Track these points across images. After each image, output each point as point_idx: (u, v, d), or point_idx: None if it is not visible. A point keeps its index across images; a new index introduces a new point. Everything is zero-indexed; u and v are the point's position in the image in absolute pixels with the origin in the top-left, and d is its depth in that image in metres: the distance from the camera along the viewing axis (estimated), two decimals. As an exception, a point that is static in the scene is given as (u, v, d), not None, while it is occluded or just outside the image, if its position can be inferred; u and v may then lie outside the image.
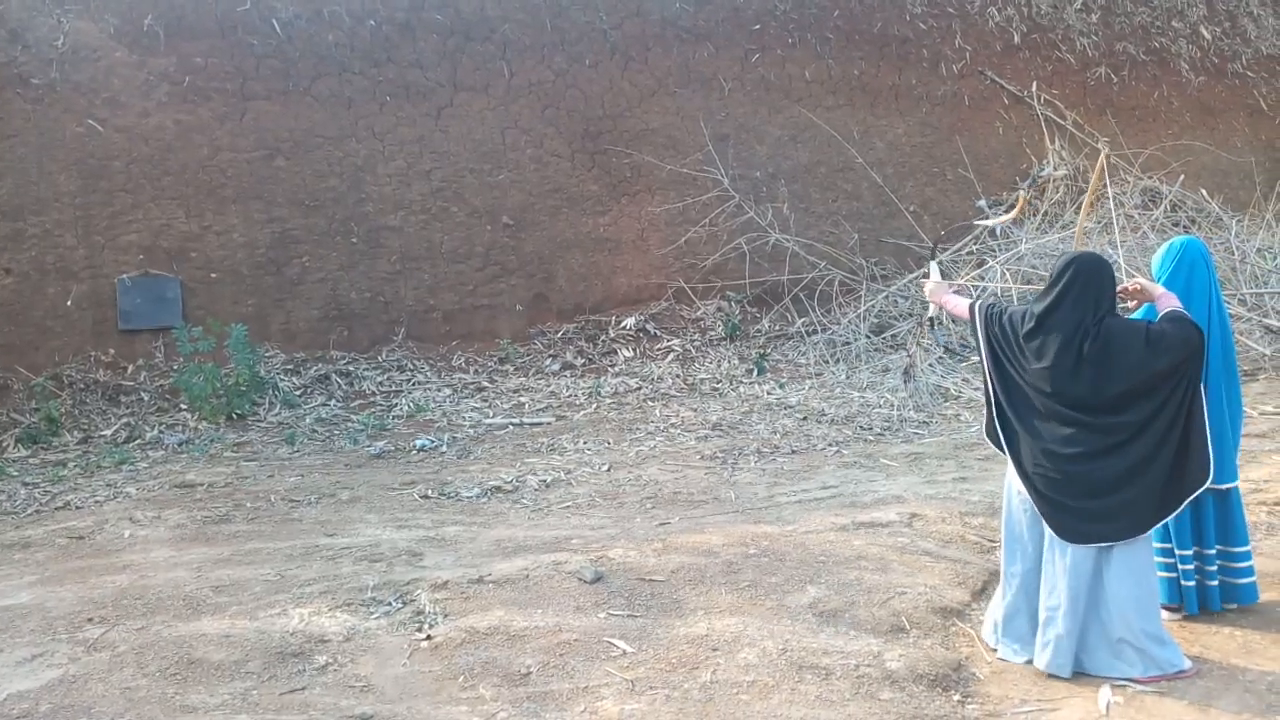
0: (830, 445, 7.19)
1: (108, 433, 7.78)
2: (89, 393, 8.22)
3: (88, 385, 8.26)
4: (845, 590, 4.18)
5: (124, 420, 7.96)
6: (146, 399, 8.31)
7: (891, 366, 9.06)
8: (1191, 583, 3.90)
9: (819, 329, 10.19)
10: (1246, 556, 3.95)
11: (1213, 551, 3.93)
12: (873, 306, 10.19)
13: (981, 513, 5.22)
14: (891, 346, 9.70)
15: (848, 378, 9.12)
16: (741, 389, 9.05)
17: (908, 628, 3.86)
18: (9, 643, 3.82)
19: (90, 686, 3.42)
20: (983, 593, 4.26)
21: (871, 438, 7.45)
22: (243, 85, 9.67)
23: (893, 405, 8.08)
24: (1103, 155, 5.24)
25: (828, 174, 11.82)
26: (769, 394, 8.78)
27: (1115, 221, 9.24)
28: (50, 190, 8.71)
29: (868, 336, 9.85)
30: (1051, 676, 3.48)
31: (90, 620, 4.02)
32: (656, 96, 11.37)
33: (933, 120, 12.69)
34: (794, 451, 7.08)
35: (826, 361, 9.59)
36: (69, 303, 8.57)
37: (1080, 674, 3.50)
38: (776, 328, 10.52)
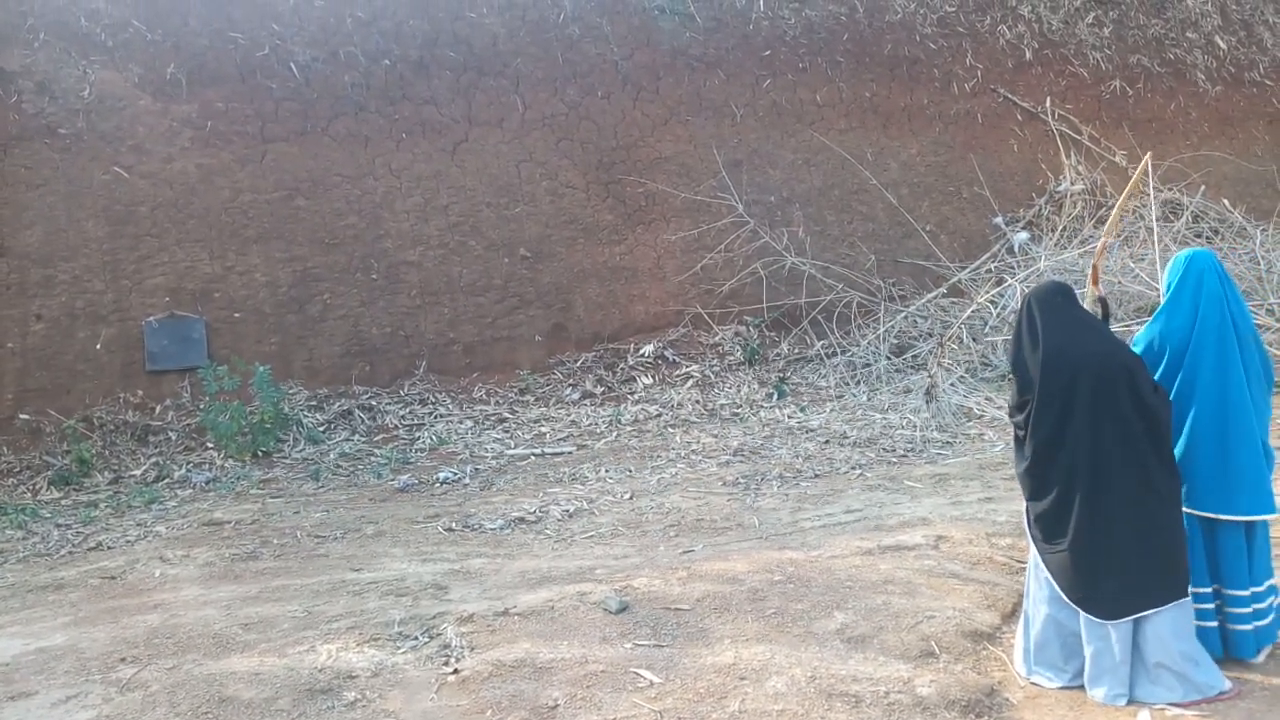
0: (853, 468, 7.16)
1: (137, 472, 7.88)
2: (119, 434, 8.33)
3: (117, 426, 8.37)
4: (873, 615, 4.15)
5: (153, 460, 8.06)
6: (174, 438, 8.41)
7: (913, 387, 9.02)
8: (1212, 623, 3.60)
9: (838, 351, 10.17)
10: (1271, 593, 3.64)
11: (1244, 593, 3.56)
12: (892, 327, 10.17)
13: (1009, 533, 5.17)
14: (912, 367, 9.66)
15: (869, 399, 9.09)
16: (762, 413, 9.04)
17: (938, 652, 3.82)
18: (45, 684, 3.87)
19: (123, 728, 3.46)
20: (1013, 615, 4.21)
21: (895, 459, 7.41)
22: (262, 128, 9.85)
23: (915, 426, 8.04)
24: (1147, 158, 5.28)
25: (842, 196, 11.85)
26: (790, 418, 8.76)
27: (1139, 234, 9.18)
28: (79, 237, 8.90)
29: (888, 357, 9.82)
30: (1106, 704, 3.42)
31: (123, 660, 4.06)
32: (669, 125, 11.48)
33: (946, 139, 12.71)
34: (817, 475, 7.05)
35: (847, 384, 9.56)
36: (98, 346, 8.71)
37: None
38: (795, 351, 10.51)
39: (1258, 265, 10.47)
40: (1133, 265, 9.60)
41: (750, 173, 11.39)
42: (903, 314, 10.37)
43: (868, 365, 9.78)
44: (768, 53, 12.13)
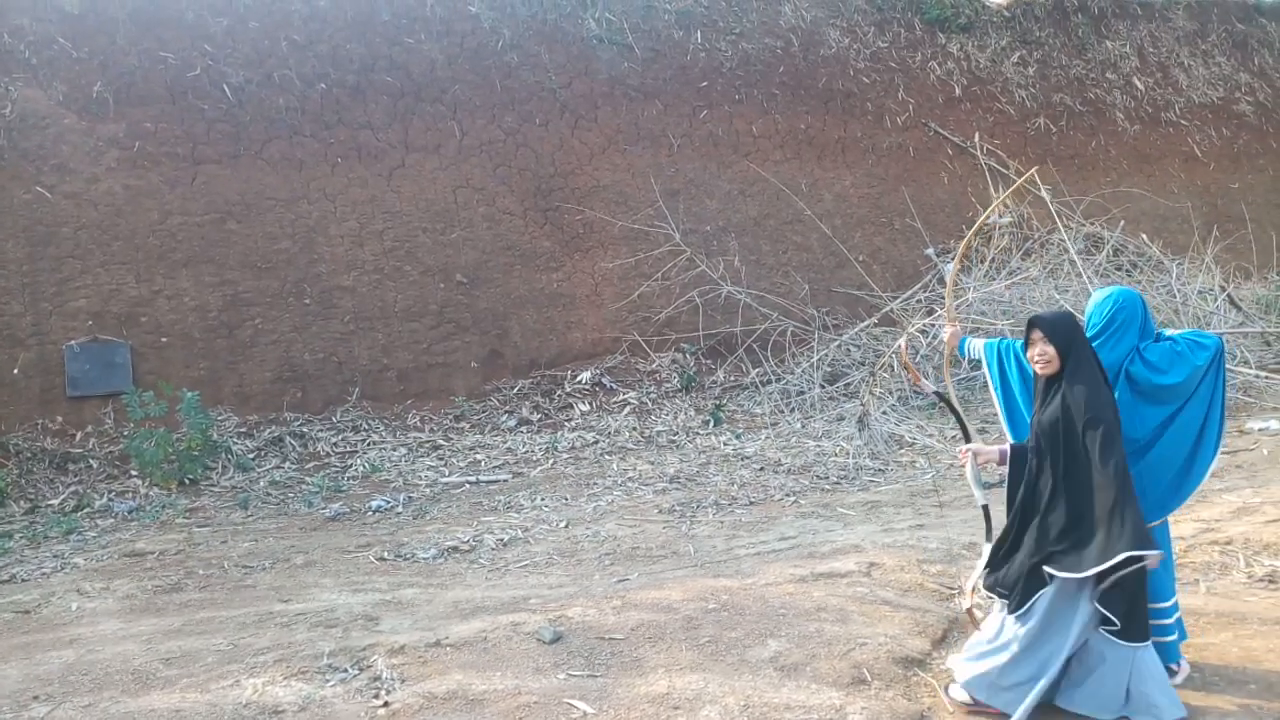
0: (787, 495, 7.24)
1: (55, 502, 7.59)
2: (36, 461, 8.03)
3: (35, 454, 8.07)
4: (806, 643, 4.19)
5: (72, 489, 7.78)
6: (96, 466, 8.13)
7: (846, 415, 9.18)
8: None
9: (773, 379, 10.31)
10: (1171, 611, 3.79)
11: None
12: (825, 355, 10.35)
13: (939, 560, 5.28)
14: (845, 395, 9.84)
15: (803, 427, 9.21)
16: (698, 440, 9.09)
17: (869, 679, 3.87)
18: (-52, 727, 3.70)
19: (32, 771, 3.32)
20: (943, 641, 4.30)
21: (828, 487, 7.52)
22: (193, 149, 9.67)
23: (848, 454, 8.18)
24: (1032, 171, 5.53)
25: (777, 226, 12.06)
26: (725, 445, 8.83)
27: (1060, 266, 9.53)
28: (-4, 257, 8.60)
29: (822, 385, 9.98)
30: None
31: (36, 698, 3.90)
32: (607, 154, 11.57)
33: (879, 171, 13.05)
34: (751, 503, 7.12)
35: (781, 411, 9.69)
36: (15, 370, 8.40)
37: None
38: (731, 378, 10.62)
39: (1174, 298, 10.93)
40: (1058, 297, 9.94)
41: (687, 202, 11.54)
42: (836, 343, 10.57)
43: (802, 393, 9.93)
44: (705, 84, 12.34)
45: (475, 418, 9.63)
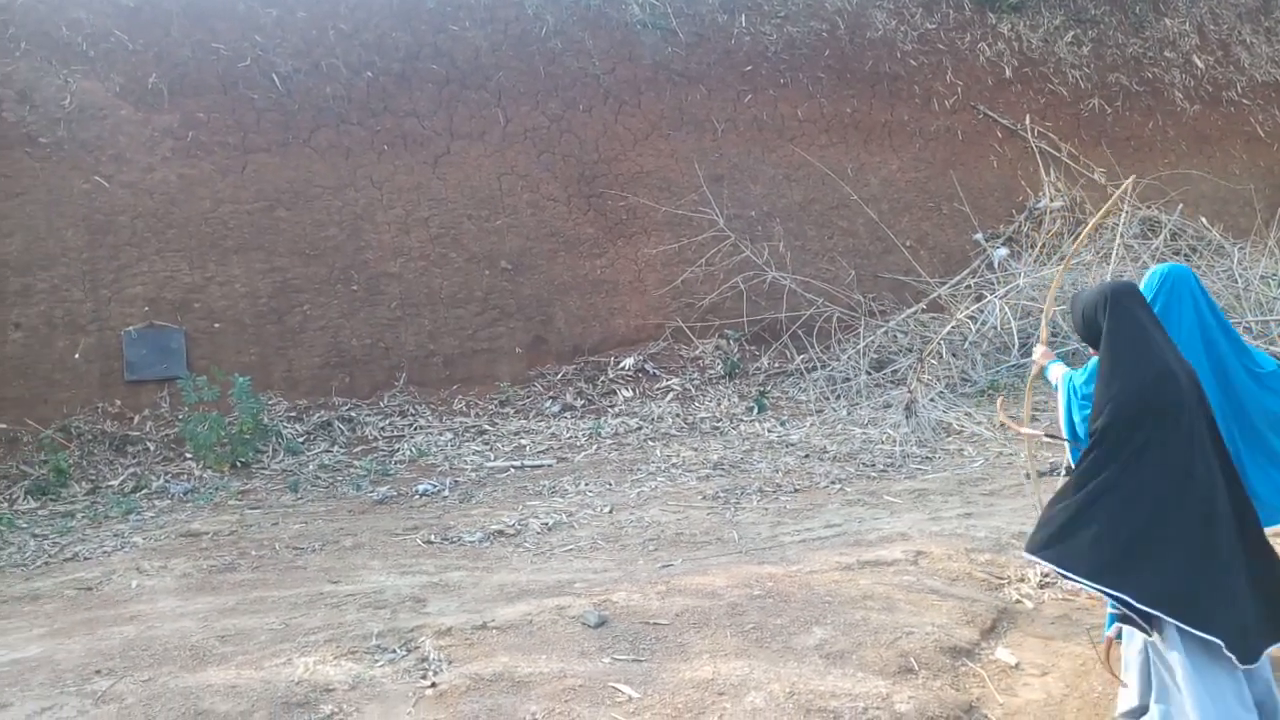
0: (833, 483, 7.19)
1: (115, 483, 7.80)
2: (96, 444, 8.25)
3: (95, 436, 8.30)
4: (852, 631, 4.16)
5: (131, 470, 7.99)
6: (152, 449, 8.34)
7: (893, 402, 9.08)
8: None
9: (818, 365, 10.23)
10: None
11: None
12: (872, 342, 10.24)
13: (988, 549, 5.21)
14: (892, 382, 9.72)
15: (849, 414, 9.13)
16: (742, 427, 9.07)
17: (916, 668, 3.84)
18: (19, 696, 3.82)
19: (96, 742, 3.43)
20: (992, 631, 4.24)
21: (874, 474, 7.45)
22: (244, 138, 9.83)
23: (895, 441, 8.09)
24: (1129, 181, 5.34)
25: (822, 211, 11.94)
26: (770, 432, 8.79)
27: (1115, 251, 9.30)
28: (58, 246, 8.83)
29: (868, 372, 9.87)
30: None
31: (98, 672, 4.02)
32: (650, 139, 11.54)
33: (926, 156, 12.84)
34: (796, 490, 7.08)
35: (827, 398, 9.61)
36: (76, 355, 8.64)
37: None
38: (775, 365, 10.56)
39: (1235, 283, 10.62)
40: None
41: (731, 187, 11.46)
42: (882, 329, 10.45)
43: (847, 380, 9.84)
44: (749, 68, 12.23)
45: (520, 403, 9.69)
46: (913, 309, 10.68)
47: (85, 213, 9.04)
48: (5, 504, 7.41)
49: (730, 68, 12.15)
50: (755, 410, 9.42)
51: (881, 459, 7.78)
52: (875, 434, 8.41)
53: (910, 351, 10.11)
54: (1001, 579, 4.78)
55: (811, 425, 8.90)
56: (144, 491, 7.70)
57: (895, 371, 9.90)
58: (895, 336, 10.47)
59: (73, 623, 4.76)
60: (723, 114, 11.93)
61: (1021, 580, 4.78)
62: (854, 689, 3.68)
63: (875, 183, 12.35)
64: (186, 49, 9.81)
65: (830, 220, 11.88)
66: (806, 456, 7.94)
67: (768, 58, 12.38)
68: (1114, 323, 3.18)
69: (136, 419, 8.66)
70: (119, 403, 8.67)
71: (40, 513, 7.25)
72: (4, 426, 8.18)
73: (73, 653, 4.29)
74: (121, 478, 7.93)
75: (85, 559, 6.03)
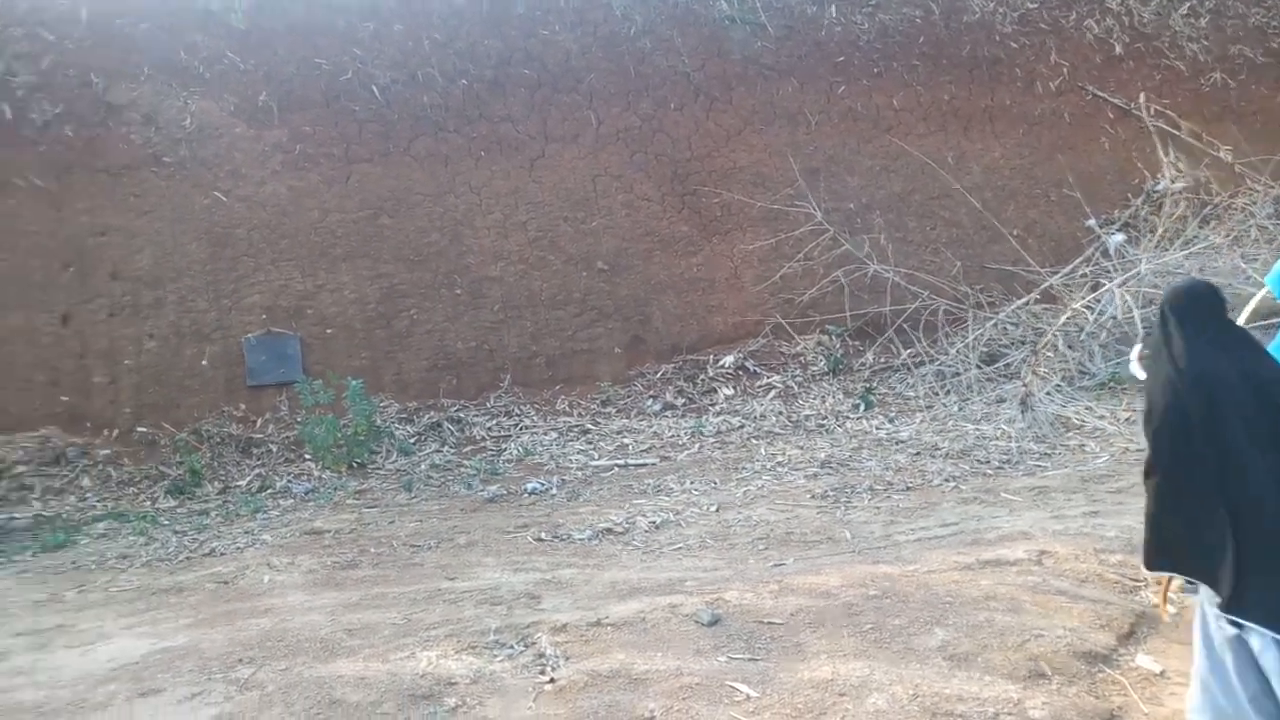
0: (946, 480, 6.99)
1: (243, 483, 8.17)
2: (224, 446, 8.66)
3: (223, 439, 8.71)
4: (976, 633, 4.03)
5: (256, 471, 8.35)
6: (275, 450, 8.70)
7: (1007, 397, 8.77)
8: None
9: (926, 360, 9.95)
10: None
11: None
12: (981, 335, 9.90)
13: (1119, 549, 4.97)
14: (1004, 376, 9.38)
15: (960, 409, 8.87)
16: (848, 424, 8.90)
17: (1048, 674, 3.69)
18: (171, 681, 4.04)
19: (242, 729, 3.59)
20: (1130, 636, 4.04)
21: (990, 471, 7.21)
22: (347, 149, 10.15)
23: (1010, 437, 7.81)
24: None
25: (923, 201, 11.63)
26: (878, 429, 8.61)
27: (1247, 233, 8.76)
28: (183, 259, 9.29)
29: (978, 366, 9.55)
30: None
31: (240, 661, 4.22)
32: (743, 135, 11.45)
33: (1031, 140, 12.39)
34: (909, 488, 6.91)
35: (936, 394, 9.35)
36: (204, 362, 9.08)
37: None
38: (881, 361, 10.33)
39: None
40: (1244, 266, 9.14)
41: (827, 180, 11.28)
42: (992, 321, 10.09)
43: (957, 374, 9.54)
44: (841, 59, 12.01)
45: (621, 402, 9.74)
46: (1023, 300, 10.29)
47: (206, 227, 9.49)
48: (148, 503, 7.85)
49: (822, 59, 11.95)
50: (861, 407, 9.24)
51: (997, 455, 7.52)
52: (989, 430, 8.14)
53: (1023, 344, 9.74)
54: (1137, 581, 4.56)
55: (921, 421, 8.67)
56: (269, 491, 8.03)
57: (1008, 365, 9.55)
58: (1005, 329, 10.11)
59: (214, 614, 5.00)
60: (815, 106, 11.75)
61: (1158, 583, 4.55)
62: (981, 693, 3.56)
63: (978, 171, 11.97)
64: (292, 66, 10.20)
65: (932, 210, 11.57)
66: (918, 454, 7.74)
67: (860, 47, 12.14)
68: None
69: (259, 422, 9.04)
70: (243, 406, 9.07)
71: (179, 511, 7.65)
72: (144, 430, 8.66)
73: (215, 642, 4.51)
74: (248, 478, 8.29)
75: (221, 554, 6.33)
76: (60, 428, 8.47)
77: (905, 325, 10.32)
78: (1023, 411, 8.09)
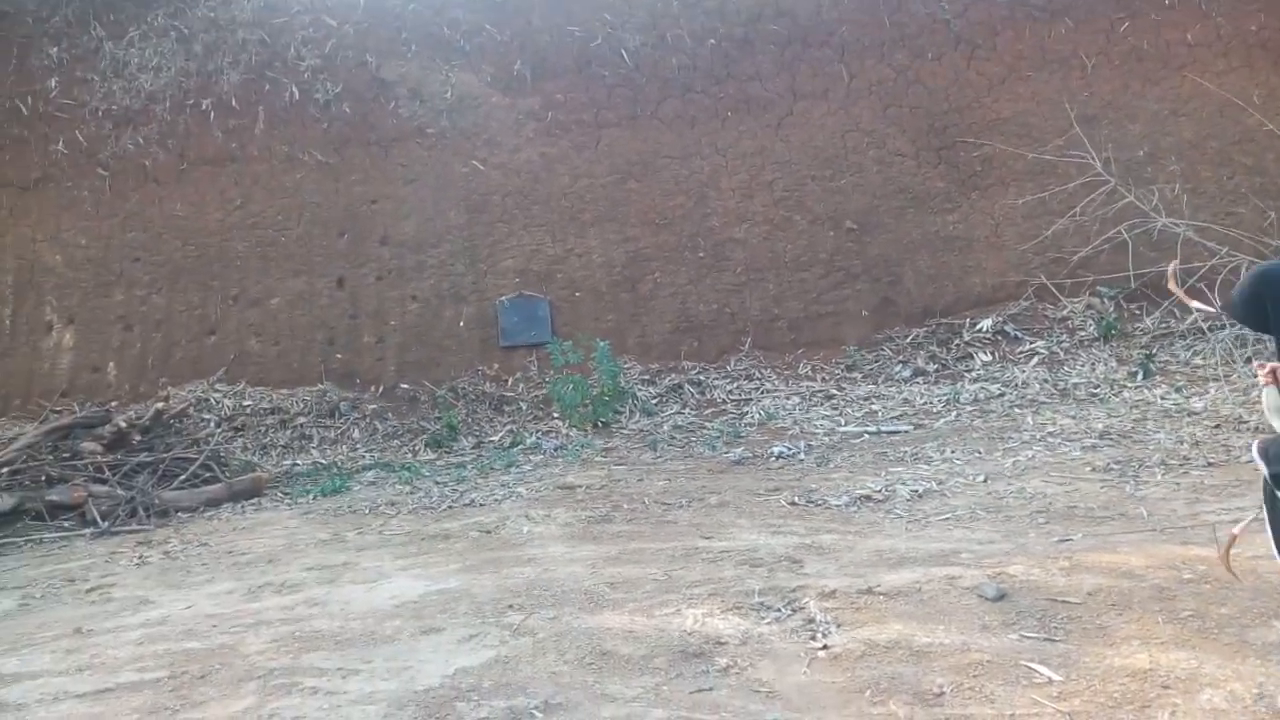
0: (1259, 457, 6.10)
1: (495, 438, 8.59)
2: (479, 403, 9.15)
3: (477, 396, 9.20)
4: (1330, 629, 3.44)
5: (507, 427, 8.75)
6: (524, 408, 9.08)
7: (1328, 365, 7.56)
8: None
9: (1221, 325, 8.79)
10: None
11: None
12: (1293, 296, 8.58)
13: None
14: (1325, 342, 8.10)
15: (1267, 380, 7.74)
16: (1126, 394, 8.04)
17: None
18: (449, 622, 4.23)
19: (521, 668, 3.66)
20: None
21: (1314, 448, 6.22)
22: (596, 115, 10.33)
23: (1338, 411, 6.71)
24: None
25: (1221, 148, 10.25)
26: (1164, 399, 7.71)
27: None
28: (444, 225, 9.86)
29: (1289, 331, 8.30)
30: None
31: (510, 607, 4.35)
32: (1007, 83, 10.56)
33: (1362, 72, 10.58)
34: (1210, 464, 6.10)
35: (1234, 362, 8.24)
36: (461, 323, 9.62)
37: None
38: (1162, 325, 9.25)
39: None
40: None
41: (1106, 128, 10.19)
42: (1307, 280, 8.72)
43: (1261, 340, 8.36)
44: (1125, -9, 10.78)
45: (867, 367, 9.35)
46: (1351, 255, 8.85)
47: (464, 194, 10.00)
48: (410, 454, 8.42)
49: (1101, -6, 10.78)
50: (1140, 375, 8.31)
51: (1322, 432, 6.48)
52: (1309, 403, 7.04)
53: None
54: None
55: (1217, 392, 7.67)
56: (520, 447, 8.38)
57: (1327, 331, 8.22)
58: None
59: (480, 560, 5.22)
60: (1093, 48, 10.62)
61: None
62: (1349, 701, 3.01)
63: (1289, 110, 10.39)
64: (545, 35, 10.49)
65: (1232, 157, 10.17)
66: (1217, 427, 6.84)
67: (1147, -24, 10.83)
68: None
69: (510, 380, 9.47)
70: (496, 366, 9.52)
71: (438, 463, 8.14)
72: (406, 387, 9.31)
73: (485, 588, 4.69)
74: (500, 434, 8.70)
75: (480, 505, 6.65)
76: (335, 383, 9.27)
77: (1200, 285, 9.13)
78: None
